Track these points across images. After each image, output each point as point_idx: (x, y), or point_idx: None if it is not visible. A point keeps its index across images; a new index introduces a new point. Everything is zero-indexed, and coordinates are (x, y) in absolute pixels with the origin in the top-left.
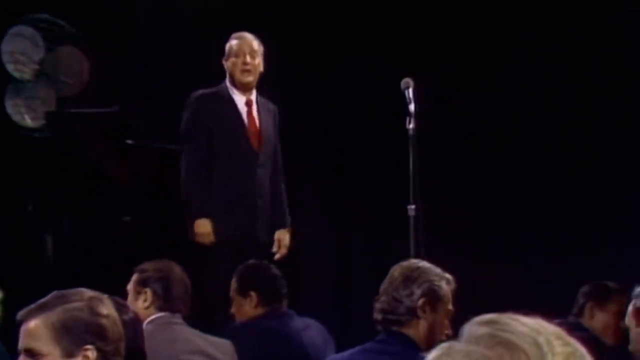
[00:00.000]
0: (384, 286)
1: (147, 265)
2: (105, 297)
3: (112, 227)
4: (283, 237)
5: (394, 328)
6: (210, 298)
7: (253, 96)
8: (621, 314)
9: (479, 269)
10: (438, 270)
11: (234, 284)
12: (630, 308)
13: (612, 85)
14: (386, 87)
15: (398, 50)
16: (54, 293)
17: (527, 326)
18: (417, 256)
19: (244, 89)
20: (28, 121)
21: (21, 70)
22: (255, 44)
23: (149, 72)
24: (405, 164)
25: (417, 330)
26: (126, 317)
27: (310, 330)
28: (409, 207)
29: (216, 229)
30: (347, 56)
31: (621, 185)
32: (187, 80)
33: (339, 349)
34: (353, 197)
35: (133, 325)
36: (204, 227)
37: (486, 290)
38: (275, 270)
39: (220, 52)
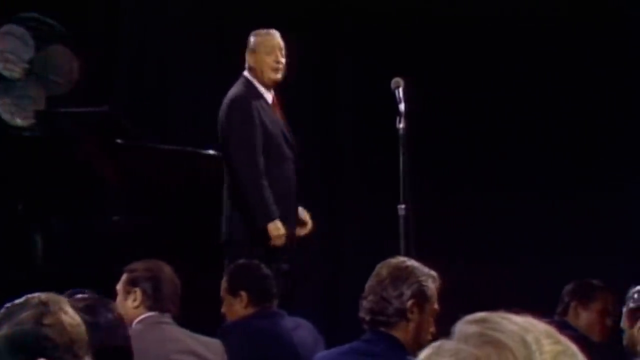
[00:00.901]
0: (370, 284)
1: (137, 265)
2: (54, 299)
3: (103, 226)
4: (304, 211)
5: (382, 329)
6: None
7: (272, 92)
8: (606, 312)
9: (469, 268)
10: (425, 269)
11: (224, 283)
12: (624, 309)
13: (605, 86)
14: (377, 86)
15: (389, 49)
16: (5, 307)
17: (516, 324)
18: (407, 255)
19: (271, 86)
20: (18, 120)
21: (11, 69)
22: (281, 41)
23: (139, 72)
24: (396, 163)
25: (405, 332)
26: (100, 320)
27: (301, 329)
28: (399, 206)
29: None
30: (340, 56)
31: (612, 185)
32: (177, 80)
33: (329, 348)
34: (344, 197)
35: (109, 327)
36: (278, 230)
37: (477, 288)
38: (265, 269)
39: (211, 51)
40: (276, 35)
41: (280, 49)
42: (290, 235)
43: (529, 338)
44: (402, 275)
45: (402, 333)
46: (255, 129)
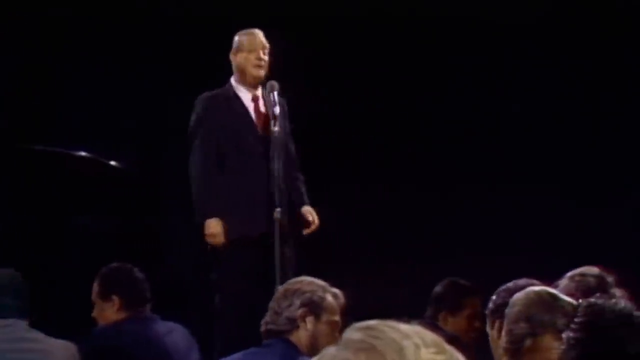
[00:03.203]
0: (269, 304)
1: None
2: None
3: None
4: (311, 211)
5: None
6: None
7: (259, 92)
8: (474, 316)
9: (346, 270)
10: (322, 283)
11: (95, 287)
12: (487, 312)
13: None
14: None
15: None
16: None
17: (398, 332)
18: (281, 258)
19: (253, 84)
20: None
21: None
22: (264, 40)
23: (7, 68)
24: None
25: (298, 338)
26: None
27: (174, 334)
28: (275, 210)
29: (229, 228)
30: (216, 56)
31: (488, 186)
32: (45, 77)
33: (204, 353)
34: None
35: None
36: (214, 228)
37: (351, 291)
38: (138, 273)
39: (77, 50)
40: (258, 34)
41: (263, 47)
42: (258, 234)
43: (407, 344)
44: (293, 288)
45: (295, 338)
46: (208, 125)
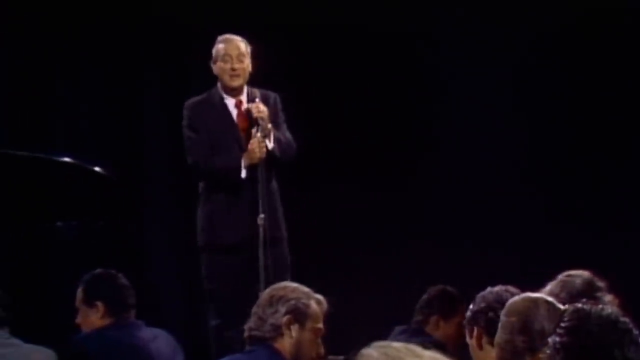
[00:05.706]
0: (253, 310)
1: None
2: None
3: None
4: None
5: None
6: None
7: (243, 96)
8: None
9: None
10: (306, 289)
11: (79, 293)
12: (465, 321)
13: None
14: None
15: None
16: None
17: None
18: (265, 263)
19: (234, 92)
20: None
21: None
22: (243, 46)
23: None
24: None
25: (283, 345)
26: None
27: (159, 340)
28: (259, 216)
29: (213, 233)
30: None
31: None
32: (26, 82)
33: (188, 358)
34: None
35: None
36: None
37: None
38: (123, 280)
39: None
40: (233, 41)
41: (238, 55)
42: (240, 239)
43: None
44: (278, 295)
45: (279, 345)
46: (200, 129)
